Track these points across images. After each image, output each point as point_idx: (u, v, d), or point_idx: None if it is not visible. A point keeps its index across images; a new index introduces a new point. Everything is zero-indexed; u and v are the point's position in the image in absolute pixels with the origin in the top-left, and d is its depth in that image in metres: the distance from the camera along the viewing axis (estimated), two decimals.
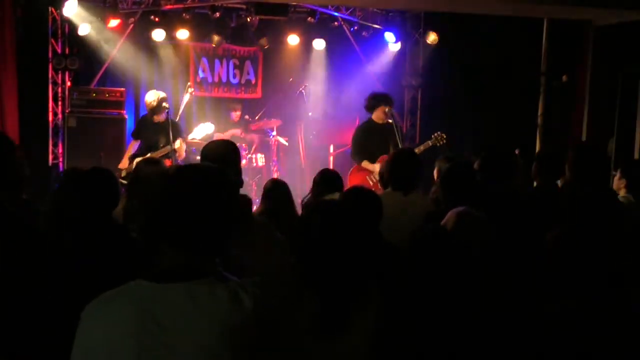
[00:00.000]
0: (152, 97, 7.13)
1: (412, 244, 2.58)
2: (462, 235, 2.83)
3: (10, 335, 2.68)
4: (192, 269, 1.68)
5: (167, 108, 7.20)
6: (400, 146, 6.52)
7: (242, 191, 2.93)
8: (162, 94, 7.15)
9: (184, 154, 7.08)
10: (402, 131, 7.05)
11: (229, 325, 1.63)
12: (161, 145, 7.04)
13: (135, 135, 7.40)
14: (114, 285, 2.66)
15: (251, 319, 1.65)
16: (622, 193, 4.52)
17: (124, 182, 5.21)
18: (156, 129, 7.14)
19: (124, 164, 7.18)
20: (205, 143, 4.13)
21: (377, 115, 6.84)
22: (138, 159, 7.08)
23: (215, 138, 7.95)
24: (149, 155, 7.04)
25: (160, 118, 7.12)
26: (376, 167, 6.41)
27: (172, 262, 1.68)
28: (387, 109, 6.78)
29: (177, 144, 6.89)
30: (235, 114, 8.78)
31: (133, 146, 7.39)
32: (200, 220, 1.68)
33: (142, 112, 8.69)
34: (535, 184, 4.75)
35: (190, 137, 7.70)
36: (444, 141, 6.83)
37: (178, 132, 7.16)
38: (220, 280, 1.69)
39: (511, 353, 2.32)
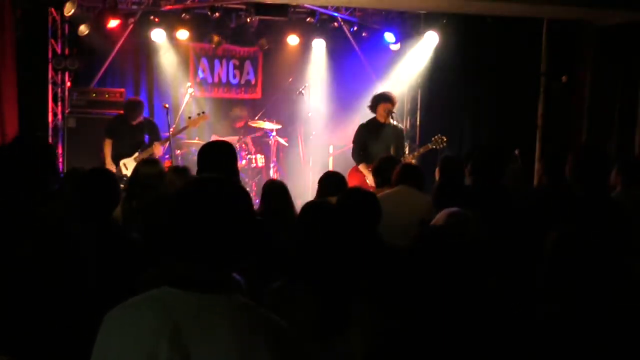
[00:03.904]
0: (128, 100, 7.58)
1: (411, 245, 2.58)
2: (454, 234, 2.85)
3: (11, 334, 2.68)
4: (213, 282, 1.67)
5: (167, 108, 7.27)
6: (400, 147, 6.56)
7: None
8: (134, 99, 7.60)
9: (159, 155, 7.25)
10: (401, 132, 7.05)
11: (248, 341, 1.63)
12: (144, 145, 7.20)
13: (110, 134, 7.37)
14: (114, 285, 2.66)
15: (270, 338, 1.66)
16: (618, 189, 4.53)
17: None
18: (136, 129, 7.29)
19: (112, 168, 7.14)
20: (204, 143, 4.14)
21: (380, 113, 6.85)
22: (124, 160, 7.19)
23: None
24: (136, 154, 7.13)
25: (135, 120, 7.23)
26: (369, 173, 6.42)
27: (194, 273, 1.68)
28: (387, 107, 6.78)
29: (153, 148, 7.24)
30: (239, 123, 8.82)
31: (108, 145, 7.37)
32: (220, 235, 1.67)
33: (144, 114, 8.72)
34: (536, 183, 4.76)
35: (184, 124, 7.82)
36: (444, 144, 6.86)
37: (157, 134, 7.38)
38: (240, 296, 1.70)
39: (507, 354, 2.32)
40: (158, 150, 7.23)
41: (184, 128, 7.68)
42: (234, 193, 1.74)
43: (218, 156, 3.51)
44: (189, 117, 7.70)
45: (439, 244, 2.54)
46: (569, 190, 4.22)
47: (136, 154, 7.21)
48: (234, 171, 3.51)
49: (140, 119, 7.31)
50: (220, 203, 1.70)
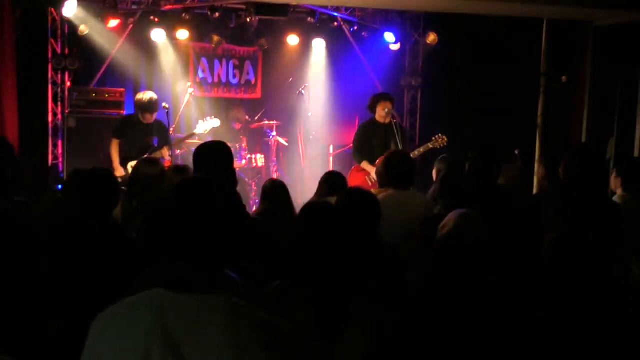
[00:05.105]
0: (144, 96, 7.00)
1: (413, 245, 2.58)
2: (463, 235, 2.84)
3: (7, 336, 2.68)
4: (207, 283, 1.68)
5: (167, 108, 7.21)
6: (401, 147, 6.53)
7: (241, 191, 2.95)
8: (154, 95, 7.03)
9: (167, 160, 7.05)
10: (403, 131, 7.00)
11: (243, 342, 1.63)
12: (153, 147, 7.04)
13: (118, 134, 7.13)
14: (113, 285, 2.66)
15: (265, 338, 1.66)
16: (619, 192, 4.53)
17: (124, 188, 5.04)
18: (146, 130, 7.04)
19: (120, 172, 6.99)
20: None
21: (379, 114, 6.83)
22: (131, 162, 7.06)
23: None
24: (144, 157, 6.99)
25: (150, 119, 7.04)
26: (374, 169, 6.42)
27: (186, 274, 1.68)
28: (386, 106, 6.76)
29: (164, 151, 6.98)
30: (237, 125, 8.79)
31: (116, 146, 7.14)
32: (212, 236, 1.68)
33: None
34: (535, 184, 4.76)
35: (196, 130, 7.71)
36: (445, 143, 6.82)
37: (166, 137, 7.13)
38: (235, 297, 1.70)
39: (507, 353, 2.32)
40: (166, 154, 7.02)
41: (191, 135, 7.66)
42: (223, 194, 1.75)
43: (212, 156, 3.51)
44: (200, 122, 7.66)
45: (442, 243, 2.55)
46: (567, 190, 4.23)
47: (144, 157, 7.04)
48: (230, 170, 3.51)
49: (155, 117, 7.09)
50: (209, 203, 1.71)
